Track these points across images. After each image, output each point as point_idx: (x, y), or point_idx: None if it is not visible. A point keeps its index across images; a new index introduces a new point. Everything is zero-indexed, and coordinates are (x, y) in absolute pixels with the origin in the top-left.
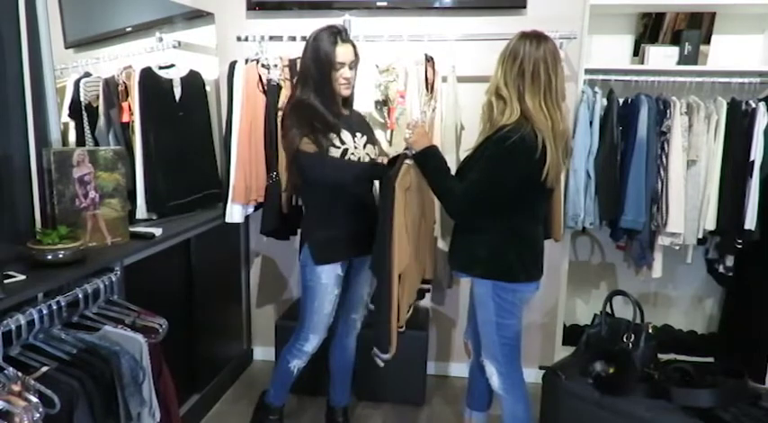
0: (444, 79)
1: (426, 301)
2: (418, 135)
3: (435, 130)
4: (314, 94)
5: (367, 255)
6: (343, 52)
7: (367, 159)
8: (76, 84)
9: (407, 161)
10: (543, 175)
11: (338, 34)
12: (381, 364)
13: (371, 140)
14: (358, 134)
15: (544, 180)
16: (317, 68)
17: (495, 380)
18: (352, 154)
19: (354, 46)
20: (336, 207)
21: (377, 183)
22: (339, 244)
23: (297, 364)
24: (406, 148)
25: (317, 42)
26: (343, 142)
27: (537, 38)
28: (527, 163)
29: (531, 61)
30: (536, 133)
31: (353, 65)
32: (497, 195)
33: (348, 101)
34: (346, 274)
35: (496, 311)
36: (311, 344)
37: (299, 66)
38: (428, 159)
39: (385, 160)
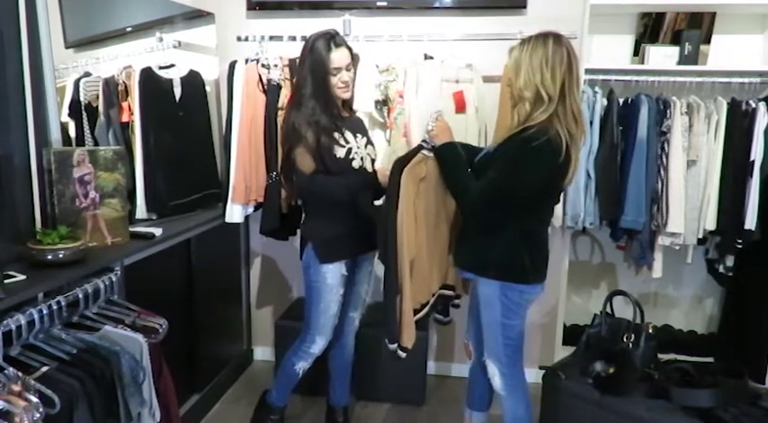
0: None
1: None
2: (440, 129)
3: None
4: (313, 101)
5: (370, 252)
6: (338, 57)
7: (368, 159)
8: (76, 84)
9: (424, 152)
10: (564, 178)
11: (331, 39)
12: (403, 356)
13: (370, 141)
14: (359, 135)
15: (562, 183)
16: (314, 77)
17: (497, 380)
18: (356, 153)
19: (349, 47)
20: (338, 206)
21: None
22: (343, 242)
23: (302, 365)
24: (425, 140)
25: (313, 52)
26: (347, 141)
27: (559, 41)
28: (550, 166)
29: (575, 62)
30: (561, 136)
31: (350, 67)
32: (516, 196)
33: (347, 103)
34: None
35: (502, 312)
36: (318, 346)
37: (297, 70)
38: (447, 155)
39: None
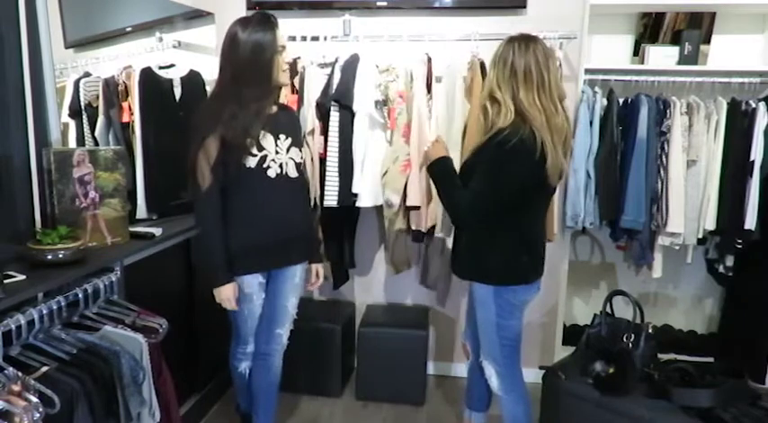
0: (439, 79)
1: (426, 301)
2: (434, 148)
3: (433, 131)
4: (250, 92)
5: (287, 266)
6: (281, 35)
7: (291, 164)
8: (76, 84)
9: None
10: (545, 174)
11: (272, 18)
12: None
13: (297, 143)
14: (282, 136)
15: (546, 180)
16: (257, 60)
17: (494, 381)
18: (273, 160)
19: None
20: (254, 215)
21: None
22: (256, 255)
23: (245, 365)
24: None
25: (254, 33)
26: (261, 149)
27: (525, 40)
28: (528, 165)
29: (522, 62)
30: (534, 133)
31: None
32: (503, 201)
33: (277, 97)
34: (268, 285)
35: (498, 312)
36: (251, 346)
37: (227, 63)
38: (434, 168)
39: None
